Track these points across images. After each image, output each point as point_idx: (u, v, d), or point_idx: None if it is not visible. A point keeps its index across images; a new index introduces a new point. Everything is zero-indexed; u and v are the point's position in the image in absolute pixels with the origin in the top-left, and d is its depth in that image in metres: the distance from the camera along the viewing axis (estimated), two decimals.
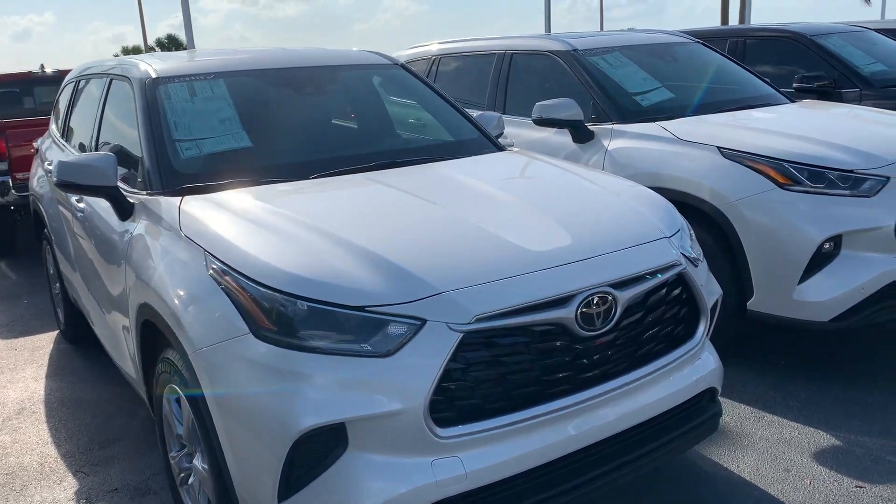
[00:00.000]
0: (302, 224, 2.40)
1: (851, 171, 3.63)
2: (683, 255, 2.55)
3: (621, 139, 4.39)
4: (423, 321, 2.03)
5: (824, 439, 3.20)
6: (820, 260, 3.58)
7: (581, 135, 4.58)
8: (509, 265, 2.20)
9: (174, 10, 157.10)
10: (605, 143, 4.46)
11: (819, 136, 3.91)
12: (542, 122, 4.59)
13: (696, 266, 2.62)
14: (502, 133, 4.07)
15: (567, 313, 2.15)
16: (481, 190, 2.78)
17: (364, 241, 2.26)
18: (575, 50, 4.95)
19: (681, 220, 2.77)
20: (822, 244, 3.54)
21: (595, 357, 2.24)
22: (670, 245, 2.52)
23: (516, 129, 4.98)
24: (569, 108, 4.51)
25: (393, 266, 2.15)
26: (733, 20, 26.75)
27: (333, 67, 3.78)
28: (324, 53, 3.95)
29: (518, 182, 3.10)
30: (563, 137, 4.68)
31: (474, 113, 3.89)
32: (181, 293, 2.32)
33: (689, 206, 3.96)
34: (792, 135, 3.95)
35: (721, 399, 3.57)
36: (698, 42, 5.64)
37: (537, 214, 2.54)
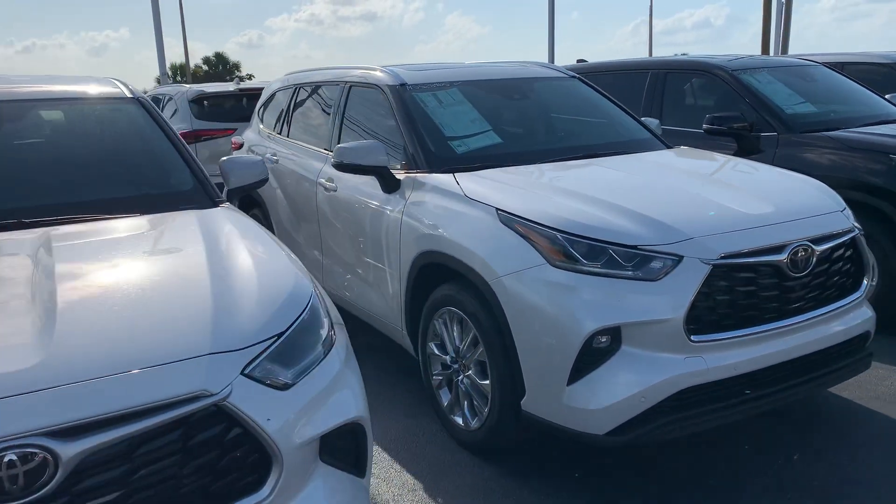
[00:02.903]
0: None
1: (636, 247, 2.90)
2: (250, 376, 1.88)
3: (420, 191, 3.72)
4: None
5: None
6: (593, 357, 2.86)
7: (387, 184, 3.92)
8: None
9: (246, 28, 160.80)
10: (408, 194, 3.79)
11: (620, 200, 3.16)
12: (342, 168, 3.95)
13: (284, 390, 1.94)
14: (265, 180, 3.47)
15: None
16: (39, 280, 2.15)
17: None
18: (402, 84, 4.29)
19: (289, 324, 2.08)
20: (593, 337, 2.82)
21: None
22: (213, 366, 1.84)
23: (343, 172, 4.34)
24: (372, 152, 3.87)
25: None
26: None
27: (31, 102, 3.20)
28: (47, 83, 3.37)
29: (120, 266, 2.39)
30: (377, 186, 4.03)
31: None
32: None
33: (466, 280, 3.29)
34: (586, 196, 3.21)
35: None
36: (575, 77, 4.93)
37: (46, 320, 1.91)
